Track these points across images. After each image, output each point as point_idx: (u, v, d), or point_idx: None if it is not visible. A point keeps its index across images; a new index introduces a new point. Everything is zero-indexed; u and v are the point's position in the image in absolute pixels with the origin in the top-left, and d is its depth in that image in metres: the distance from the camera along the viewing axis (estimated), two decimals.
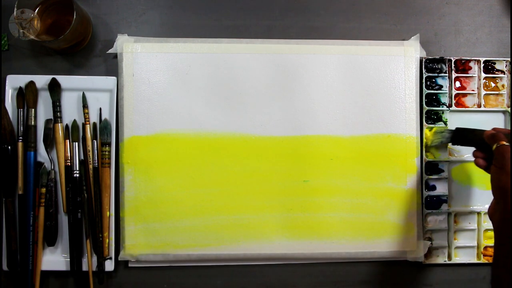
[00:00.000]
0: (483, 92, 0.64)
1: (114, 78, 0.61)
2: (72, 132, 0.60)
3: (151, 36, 0.62)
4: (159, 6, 0.64)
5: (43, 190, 0.59)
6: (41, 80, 0.60)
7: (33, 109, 0.60)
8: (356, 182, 0.62)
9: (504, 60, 0.65)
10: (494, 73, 0.65)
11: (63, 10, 0.58)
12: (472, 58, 0.64)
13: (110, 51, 0.61)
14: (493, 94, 0.65)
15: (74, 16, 0.54)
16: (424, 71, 0.64)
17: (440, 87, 0.64)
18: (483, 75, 0.64)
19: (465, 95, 0.64)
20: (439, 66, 0.64)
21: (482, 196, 0.64)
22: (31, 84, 0.59)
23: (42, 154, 0.60)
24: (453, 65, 0.64)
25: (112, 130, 0.60)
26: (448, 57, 0.64)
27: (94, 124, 0.61)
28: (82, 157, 0.60)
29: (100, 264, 0.59)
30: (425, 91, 0.63)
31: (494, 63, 0.65)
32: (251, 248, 0.61)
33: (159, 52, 0.61)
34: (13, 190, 0.59)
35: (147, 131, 0.61)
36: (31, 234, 0.58)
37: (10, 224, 0.59)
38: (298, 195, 0.62)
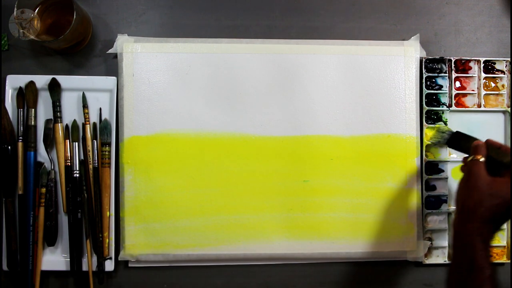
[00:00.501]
0: (483, 92, 0.64)
1: (114, 78, 0.61)
2: (72, 132, 0.60)
3: (151, 36, 0.62)
4: (159, 6, 0.64)
5: (43, 190, 0.59)
6: (41, 80, 0.60)
7: (33, 109, 0.60)
8: (356, 182, 0.62)
9: (504, 60, 0.65)
10: (494, 73, 0.65)
11: (63, 10, 0.58)
12: (472, 58, 0.64)
13: (110, 51, 0.61)
14: (493, 94, 0.65)
15: (74, 16, 0.54)
16: (424, 71, 0.64)
17: (440, 87, 0.64)
18: (483, 75, 0.64)
19: (465, 95, 0.64)
20: (439, 66, 0.64)
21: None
22: (31, 84, 0.59)
23: (42, 154, 0.60)
24: (453, 65, 0.64)
25: (112, 130, 0.60)
26: (448, 57, 0.64)
27: (94, 124, 0.61)
28: (82, 157, 0.60)
29: (100, 264, 0.59)
30: (425, 91, 0.63)
31: (494, 63, 0.65)
32: (251, 248, 0.61)
33: (159, 52, 0.61)
34: (13, 190, 0.59)
35: (147, 131, 0.61)
36: (31, 234, 0.58)
37: (10, 224, 0.59)
38: (298, 195, 0.62)
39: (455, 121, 0.64)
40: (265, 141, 0.62)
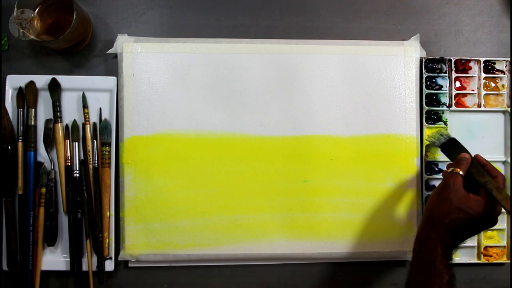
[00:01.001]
0: (483, 92, 0.64)
1: (114, 78, 0.61)
2: (72, 132, 0.60)
3: (151, 36, 0.62)
4: (159, 6, 0.64)
5: (43, 190, 0.59)
6: (41, 80, 0.60)
7: (33, 109, 0.60)
8: (356, 182, 0.62)
9: (504, 60, 0.65)
10: (494, 73, 0.65)
11: (63, 10, 0.58)
12: (472, 58, 0.64)
13: (110, 51, 0.61)
14: (493, 94, 0.65)
15: (74, 16, 0.54)
16: (424, 71, 0.64)
17: (440, 87, 0.64)
18: (483, 75, 0.64)
19: (465, 95, 0.64)
20: (439, 66, 0.64)
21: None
22: (31, 84, 0.59)
23: (42, 154, 0.60)
24: (453, 65, 0.64)
25: (112, 130, 0.60)
26: (448, 57, 0.64)
27: (94, 124, 0.61)
28: (82, 157, 0.60)
29: (100, 264, 0.59)
30: (425, 91, 0.63)
31: (494, 63, 0.65)
32: (251, 248, 0.61)
33: (159, 52, 0.61)
34: (13, 190, 0.59)
35: (147, 131, 0.61)
36: (31, 234, 0.58)
37: (10, 224, 0.59)
38: (298, 195, 0.62)
39: (455, 121, 0.64)
40: (265, 141, 0.62)
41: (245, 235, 0.61)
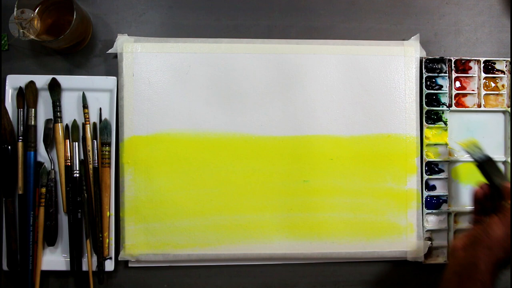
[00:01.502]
0: (483, 92, 0.64)
1: (114, 78, 0.61)
2: (72, 132, 0.60)
3: (151, 36, 0.62)
4: (159, 6, 0.64)
5: (43, 190, 0.59)
6: (41, 80, 0.60)
7: (33, 109, 0.60)
8: (356, 182, 0.62)
9: (504, 60, 0.65)
10: (494, 73, 0.65)
11: (63, 10, 0.58)
12: (472, 58, 0.64)
13: (110, 51, 0.61)
14: (493, 94, 0.65)
15: (74, 16, 0.54)
16: (424, 71, 0.64)
17: (440, 87, 0.64)
18: (483, 75, 0.64)
19: (465, 95, 0.64)
20: (439, 66, 0.64)
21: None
22: (31, 84, 0.59)
23: (42, 154, 0.60)
24: (453, 65, 0.64)
25: (112, 130, 0.60)
26: (448, 57, 0.64)
27: (94, 124, 0.61)
28: (82, 157, 0.60)
29: (100, 264, 0.59)
30: (425, 91, 0.63)
31: (494, 63, 0.65)
32: (251, 248, 0.61)
33: (159, 52, 0.61)
34: (13, 190, 0.59)
35: (147, 131, 0.61)
36: (31, 234, 0.58)
37: (10, 224, 0.59)
38: (298, 195, 0.62)
39: (455, 121, 0.64)
40: (265, 141, 0.62)
41: (245, 235, 0.61)
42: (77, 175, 0.59)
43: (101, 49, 0.63)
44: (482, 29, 0.67)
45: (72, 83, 0.61)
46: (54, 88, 0.60)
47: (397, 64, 0.63)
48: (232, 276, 0.63)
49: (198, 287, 0.62)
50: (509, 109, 0.64)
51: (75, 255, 0.59)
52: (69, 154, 0.60)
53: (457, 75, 0.64)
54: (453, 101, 0.64)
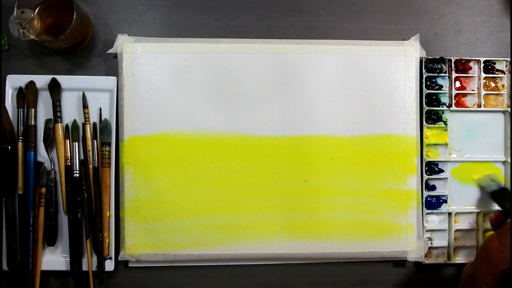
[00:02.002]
0: (483, 92, 0.64)
1: (114, 78, 0.61)
2: (72, 132, 0.60)
3: (151, 36, 0.62)
4: (159, 6, 0.64)
5: (43, 190, 0.59)
6: (41, 80, 0.60)
7: (33, 109, 0.60)
8: (356, 182, 0.62)
9: (504, 60, 0.65)
10: (494, 73, 0.65)
11: (63, 10, 0.58)
12: (472, 58, 0.64)
13: (110, 51, 0.61)
14: (493, 94, 0.65)
15: (74, 16, 0.54)
16: (424, 71, 0.64)
17: (440, 87, 0.64)
18: (483, 75, 0.64)
19: (465, 95, 0.64)
20: (439, 66, 0.64)
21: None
22: (31, 84, 0.60)
23: (42, 154, 0.60)
24: (453, 65, 0.64)
25: (112, 130, 0.60)
26: (448, 57, 0.64)
27: (94, 124, 0.61)
28: (82, 157, 0.60)
29: (100, 264, 0.59)
30: (425, 91, 0.63)
31: (494, 63, 0.65)
32: (251, 248, 0.61)
33: (159, 52, 0.61)
34: (13, 190, 0.59)
35: (147, 131, 0.61)
36: (31, 234, 0.58)
37: (10, 224, 0.59)
38: (298, 195, 0.62)
39: (455, 121, 0.64)
40: (265, 141, 0.62)
41: (245, 235, 0.61)
42: (77, 175, 0.59)
43: (101, 49, 0.63)
44: (482, 29, 0.67)
45: (72, 83, 0.61)
46: (54, 88, 0.60)
47: (397, 64, 0.63)
48: (232, 276, 0.63)
49: (198, 287, 0.62)
50: (509, 109, 0.64)
51: (75, 255, 0.59)
52: (69, 154, 0.60)
53: (457, 75, 0.64)
54: (453, 101, 0.64)
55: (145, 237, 0.60)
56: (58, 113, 0.60)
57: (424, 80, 0.64)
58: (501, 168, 0.64)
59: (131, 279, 0.62)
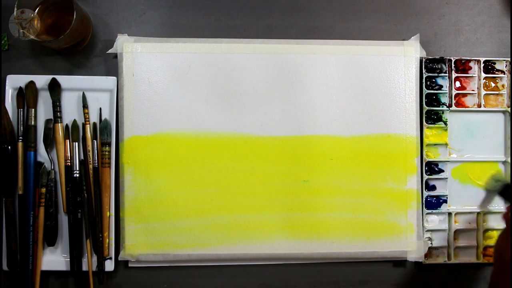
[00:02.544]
0: (483, 92, 0.64)
1: (114, 78, 0.61)
2: (72, 132, 0.60)
3: (151, 36, 0.62)
4: (159, 6, 0.64)
5: (43, 190, 0.59)
6: (41, 80, 0.60)
7: (33, 109, 0.60)
8: (356, 182, 0.62)
9: (504, 60, 0.65)
10: (494, 73, 0.65)
11: (63, 10, 0.58)
12: (472, 58, 0.64)
13: (110, 51, 0.61)
14: (493, 94, 0.65)
15: (74, 16, 0.54)
16: (424, 71, 0.64)
17: (440, 87, 0.64)
18: (483, 75, 0.64)
19: (465, 95, 0.64)
20: (439, 66, 0.64)
21: (482, 196, 0.64)
22: (31, 84, 0.60)
23: (42, 154, 0.60)
24: (453, 65, 0.64)
25: (112, 130, 0.60)
26: (448, 57, 0.64)
27: (94, 124, 0.61)
28: (82, 157, 0.60)
29: (100, 264, 0.59)
30: (425, 91, 0.63)
31: (494, 63, 0.65)
32: (251, 248, 0.61)
33: (159, 52, 0.61)
34: (13, 190, 0.59)
35: (147, 131, 0.61)
36: (31, 234, 0.58)
37: (10, 224, 0.59)
38: (298, 195, 0.62)
39: (455, 121, 0.64)
40: (265, 141, 0.62)
41: (245, 235, 0.61)
42: (77, 175, 0.59)
43: (101, 49, 0.63)
44: (482, 29, 0.67)
45: (72, 83, 0.61)
46: (54, 88, 0.60)
47: (397, 64, 0.63)
48: (232, 276, 0.63)
49: (198, 287, 0.62)
50: (509, 109, 0.64)
51: (75, 255, 0.59)
52: (69, 154, 0.60)
53: (457, 75, 0.64)
54: (453, 101, 0.64)
55: (145, 237, 0.60)
56: (58, 113, 0.60)
57: (424, 80, 0.64)
58: (501, 168, 0.64)
59: (131, 279, 0.62)
